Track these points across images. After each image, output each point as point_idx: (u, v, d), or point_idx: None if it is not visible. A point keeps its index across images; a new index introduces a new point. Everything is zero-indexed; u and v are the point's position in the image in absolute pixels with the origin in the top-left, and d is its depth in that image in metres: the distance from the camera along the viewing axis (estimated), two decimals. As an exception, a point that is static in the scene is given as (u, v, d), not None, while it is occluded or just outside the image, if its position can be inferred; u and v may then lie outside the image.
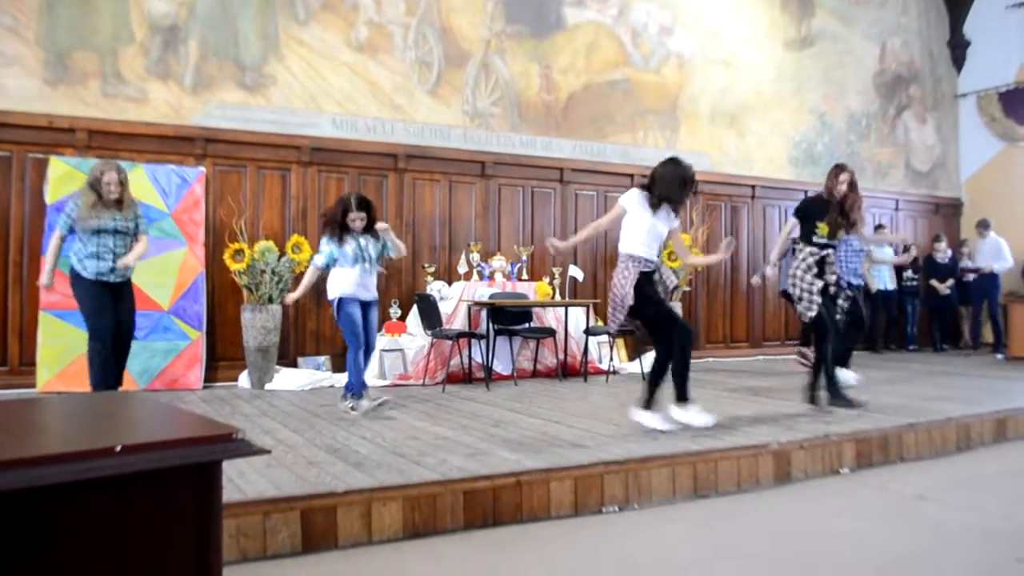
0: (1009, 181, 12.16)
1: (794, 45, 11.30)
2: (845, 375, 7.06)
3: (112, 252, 5.36)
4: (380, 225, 5.67)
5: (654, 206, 4.76)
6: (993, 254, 10.92)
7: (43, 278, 5.53)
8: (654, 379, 4.83)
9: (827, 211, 5.57)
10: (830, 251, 5.56)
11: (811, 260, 5.51)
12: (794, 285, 5.62)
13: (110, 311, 5.38)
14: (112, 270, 5.37)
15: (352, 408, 5.54)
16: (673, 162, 4.84)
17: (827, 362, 5.61)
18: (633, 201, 4.80)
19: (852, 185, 5.56)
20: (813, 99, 11.43)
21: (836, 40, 11.72)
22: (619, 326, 4.90)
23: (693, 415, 4.76)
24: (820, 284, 5.49)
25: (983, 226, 11.19)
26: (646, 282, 4.74)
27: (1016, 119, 12.12)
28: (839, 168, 5.64)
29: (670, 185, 4.75)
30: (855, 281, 7.62)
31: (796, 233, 5.83)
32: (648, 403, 4.83)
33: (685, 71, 10.26)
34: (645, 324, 4.88)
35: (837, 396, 5.62)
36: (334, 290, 5.58)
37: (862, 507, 4.00)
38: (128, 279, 5.55)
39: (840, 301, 5.72)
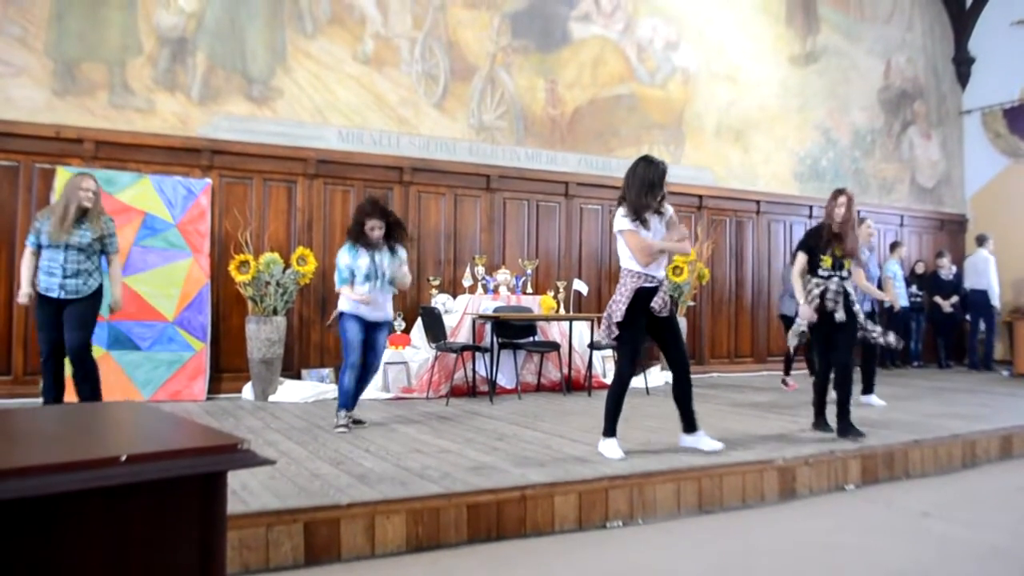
0: (1014, 197, 12.15)
1: (799, 61, 11.32)
2: (873, 400, 6.97)
3: (62, 268, 5.25)
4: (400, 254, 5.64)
5: (640, 219, 4.54)
6: (979, 270, 10.79)
7: (23, 289, 5.29)
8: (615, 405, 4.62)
9: (827, 241, 5.42)
10: (834, 281, 5.39)
11: (816, 292, 5.44)
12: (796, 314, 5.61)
13: (49, 328, 5.29)
14: (62, 287, 5.25)
15: (343, 426, 5.45)
16: (644, 161, 4.60)
17: (818, 391, 5.52)
18: (625, 223, 4.56)
19: (849, 207, 5.41)
20: (818, 115, 11.45)
21: (841, 56, 11.74)
22: (611, 341, 4.70)
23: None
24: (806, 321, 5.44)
25: (977, 241, 11.12)
26: (640, 303, 4.55)
27: (1021, 135, 12.11)
28: (837, 192, 5.51)
29: (639, 192, 4.53)
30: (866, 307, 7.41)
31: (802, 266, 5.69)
32: (610, 431, 4.60)
33: (690, 86, 10.29)
34: (619, 342, 4.68)
35: (821, 423, 5.49)
36: (342, 303, 5.56)
37: (867, 523, 3.97)
38: (82, 296, 5.32)
39: (866, 329, 5.51)
